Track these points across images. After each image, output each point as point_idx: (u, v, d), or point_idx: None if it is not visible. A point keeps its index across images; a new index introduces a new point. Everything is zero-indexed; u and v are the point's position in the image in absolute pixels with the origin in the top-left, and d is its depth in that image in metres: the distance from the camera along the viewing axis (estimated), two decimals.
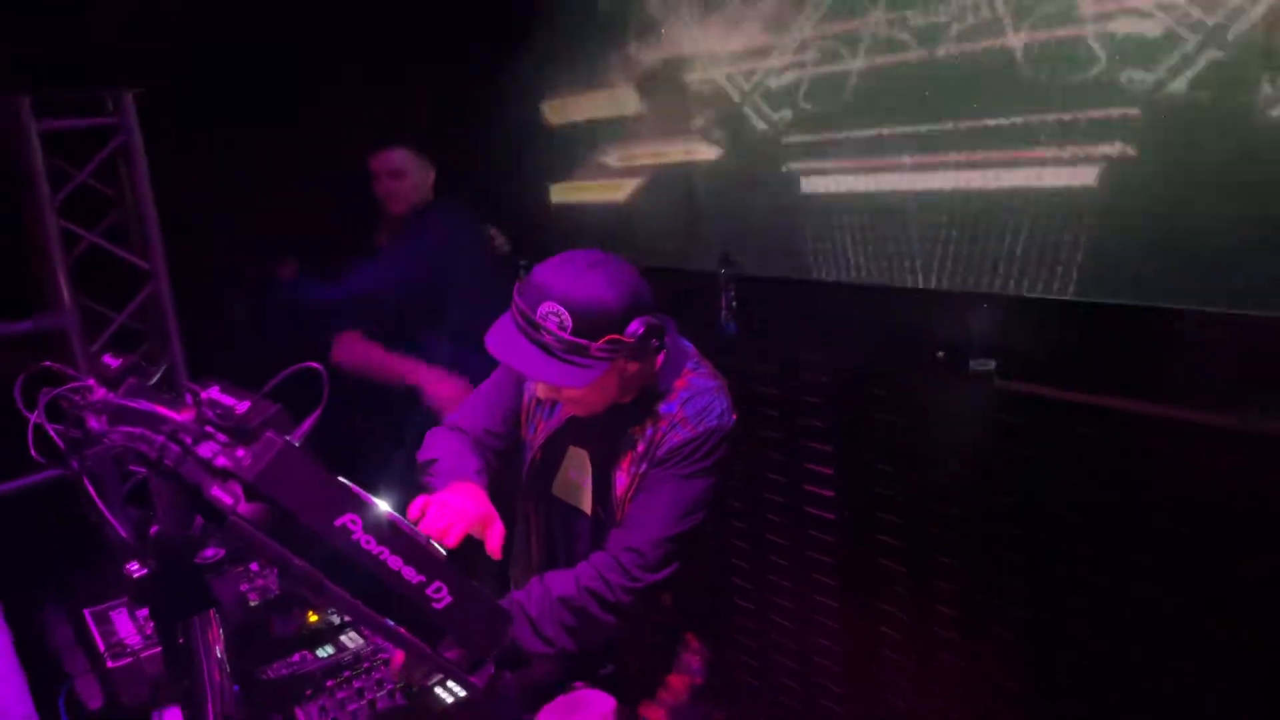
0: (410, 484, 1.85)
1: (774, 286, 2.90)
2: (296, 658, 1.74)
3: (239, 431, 1.12)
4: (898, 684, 2.59)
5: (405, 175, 3.09)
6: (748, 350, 2.81)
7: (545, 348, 1.52)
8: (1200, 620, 1.90)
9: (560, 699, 1.64)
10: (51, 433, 1.35)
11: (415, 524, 1.51)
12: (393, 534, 1.17)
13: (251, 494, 1.06)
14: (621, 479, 1.69)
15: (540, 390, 1.66)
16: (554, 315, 1.50)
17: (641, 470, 1.67)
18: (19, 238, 2.81)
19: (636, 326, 1.53)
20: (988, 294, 2.33)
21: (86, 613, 2.04)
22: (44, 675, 1.97)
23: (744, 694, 3.14)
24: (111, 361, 1.54)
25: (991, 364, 2.25)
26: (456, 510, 1.54)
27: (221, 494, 1.07)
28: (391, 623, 1.19)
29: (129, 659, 1.86)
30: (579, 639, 1.58)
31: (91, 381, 1.50)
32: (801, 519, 2.75)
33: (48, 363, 1.55)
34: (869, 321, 2.57)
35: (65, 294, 2.78)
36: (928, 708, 2.51)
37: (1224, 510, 1.84)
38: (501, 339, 1.56)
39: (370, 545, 1.15)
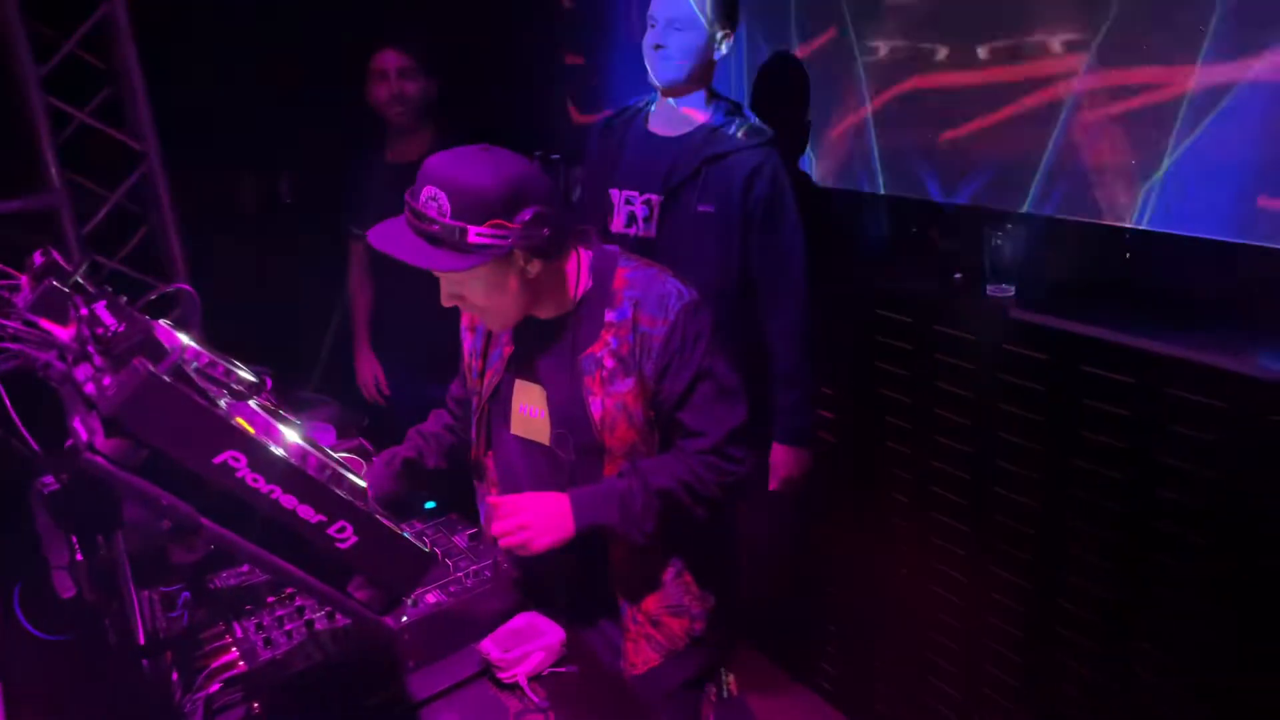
0: None
1: None
2: (246, 568, 1.70)
3: (110, 356, 1.03)
4: (899, 619, 2.51)
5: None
6: None
7: (428, 236, 1.42)
8: (1215, 562, 1.75)
9: (506, 627, 1.57)
10: None
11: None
12: (285, 471, 1.08)
13: (111, 428, 0.97)
14: (595, 404, 1.59)
15: (443, 296, 1.55)
16: (433, 201, 1.41)
17: (625, 387, 1.57)
18: (7, 113, 2.72)
19: (526, 213, 1.42)
20: (1013, 213, 2.11)
21: None
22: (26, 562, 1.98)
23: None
24: (37, 259, 1.45)
25: (1011, 290, 2.06)
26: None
27: (80, 427, 0.98)
28: (284, 563, 1.11)
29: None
30: (668, 525, 1.61)
31: (24, 280, 1.42)
32: None
33: None
34: (884, 236, 2.37)
35: (54, 172, 2.70)
36: (928, 644, 2.43)
37: (1243, 456, 1.67)
38: (385, 231, 1.47)
39: (259, 484, 1.06)
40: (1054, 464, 1.98)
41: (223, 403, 1.22)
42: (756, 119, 2.30)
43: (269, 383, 1.79)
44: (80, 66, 2.85)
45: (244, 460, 1.04)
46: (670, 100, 2.32)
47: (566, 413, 1.62)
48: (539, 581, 1.71)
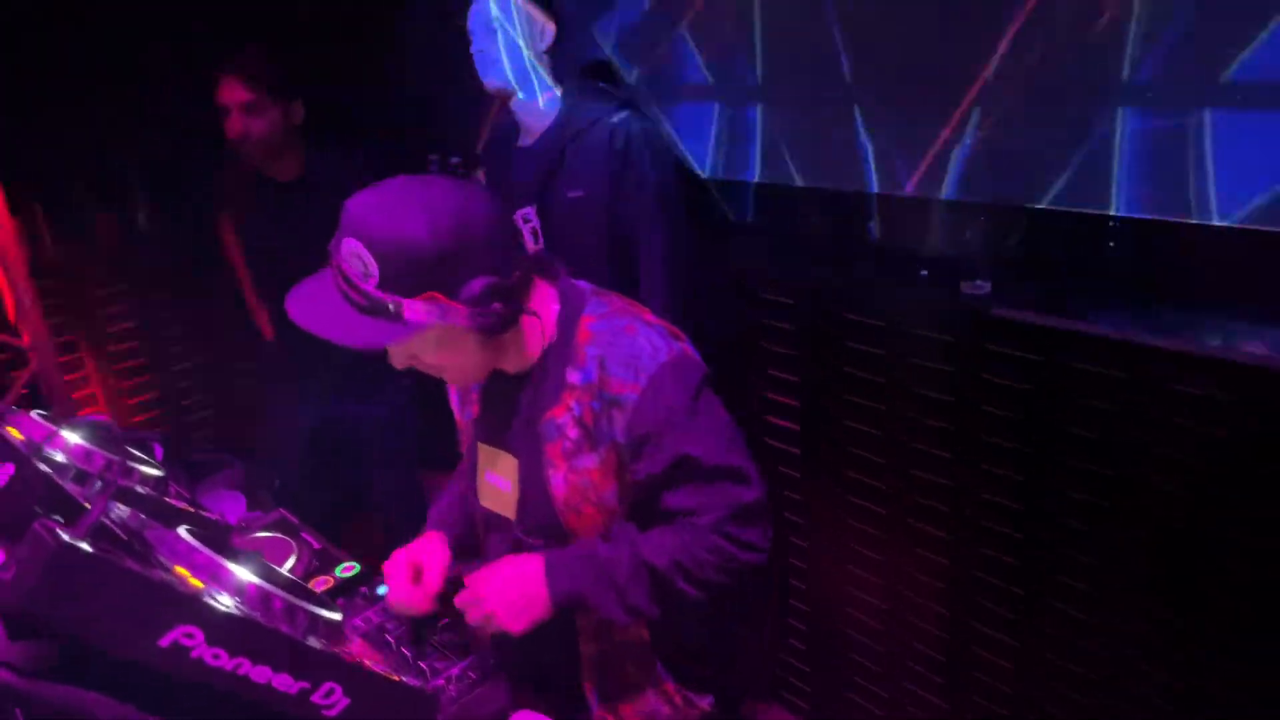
0: None
1: (734, 191, 2.53)
2: None
3: None
4: (868, 632, 2.40)
5: None
6: (701, 266, 2.45)
7: (354, 304, 1.16)
8: (1201, 566, 1.70)
9: None
10: None
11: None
12: (252, 635, 0.83)
13: (18, 626, 0.70)
14: (557, 479, 1.35)
15: (393, 358, 1.28)
16: (357, 259, 1.15)
17: (591, 463, 1.32)
18: None
19: (473, 285, 1.16)
20: (986, 205, 2.00)
21: None
22: None
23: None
24: None
25: (986, 286, 1.95)
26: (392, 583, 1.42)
27: None
28: None
29: None
30: (663, 607, 1.35)
31: None
32: (764, 453, 2.48)
33: None
34: (845, 234, 2.23)
35: None
36: (910, 655, 2.33)
37: (1234, 452, 1.61)
38: (309, 293, 1.21)
39: (221, 660, 0.80)
40: (1042, 464, 1.90)
41: (148, 535, 0.95)
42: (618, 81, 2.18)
43: (159, 451, 1.50)
44: None
45: (199, 635, 0.78)
46: (521, 103, 2.18)
47: (531, 488, 1.39)
48: (529, 674, 1.48)
